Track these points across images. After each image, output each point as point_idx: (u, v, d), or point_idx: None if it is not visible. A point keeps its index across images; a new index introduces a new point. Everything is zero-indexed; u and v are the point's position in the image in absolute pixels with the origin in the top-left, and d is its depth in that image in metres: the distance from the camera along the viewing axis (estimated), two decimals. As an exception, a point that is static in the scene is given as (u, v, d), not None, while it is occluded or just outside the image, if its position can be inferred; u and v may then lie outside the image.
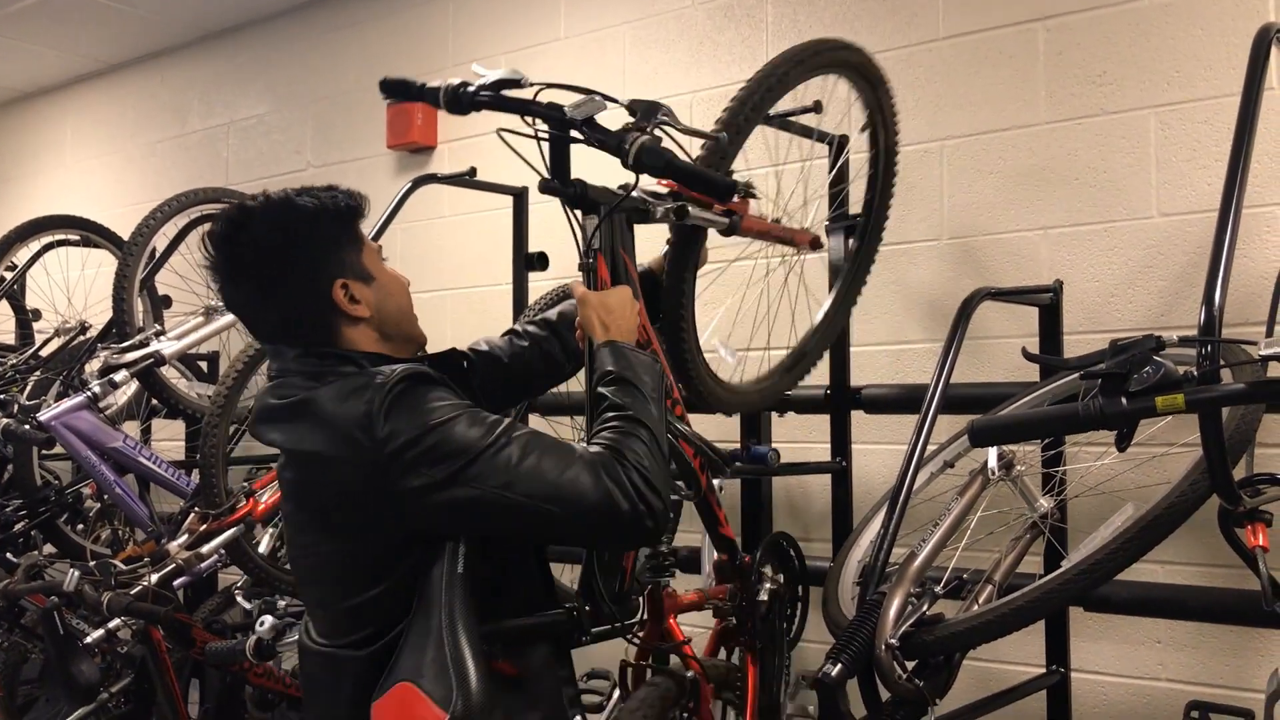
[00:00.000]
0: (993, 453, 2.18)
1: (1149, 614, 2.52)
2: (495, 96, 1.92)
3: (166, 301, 4.06)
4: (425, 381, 1.58)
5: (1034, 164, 2.86)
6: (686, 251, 2.08)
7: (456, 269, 4.02)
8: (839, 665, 1.73)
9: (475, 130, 4.06)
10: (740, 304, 2.45)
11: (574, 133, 1.83)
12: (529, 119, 1.88)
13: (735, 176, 2.01)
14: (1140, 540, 1.75)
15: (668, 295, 2.09)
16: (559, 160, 1.88)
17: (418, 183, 3.23)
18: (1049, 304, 2.56)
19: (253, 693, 3.13)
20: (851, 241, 2.62)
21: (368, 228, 2.76)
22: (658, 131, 1.81)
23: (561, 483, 1.52)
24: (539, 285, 3.21)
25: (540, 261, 1.99)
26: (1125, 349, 1.51)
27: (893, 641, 1.71)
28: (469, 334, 3.84)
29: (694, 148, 1.96)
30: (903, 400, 2.81)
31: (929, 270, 2.99)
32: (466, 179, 3.28)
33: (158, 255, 3.73)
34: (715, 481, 2.08)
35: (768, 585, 2.38)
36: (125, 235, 3.63)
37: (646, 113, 1.82)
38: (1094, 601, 2.45)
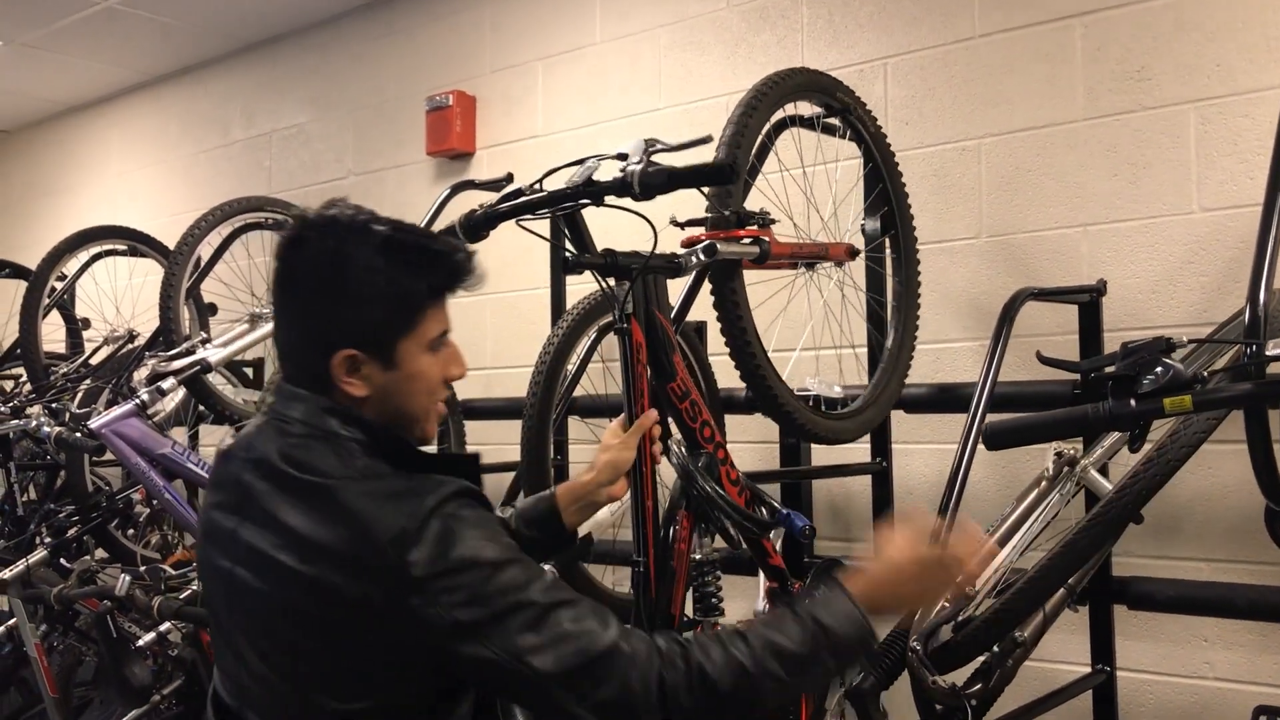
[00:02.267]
0: (1050, 454, 2.18)
1: (1195, 612, 2.49)
2: (498, 213, 1.98)
3: (212, 309, 4.12)
4: (477, 505, 1.40)
5: (1073, 161, 2.84)
6: (732, 290, 2.11)
7: (495, 274, 4.00)
8: (870, 677, 1.74)
9: (513, 136, 4.09)
10: (813, 335, 2.50)
11: (581, 201, 1.89)
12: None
13: (752, 207, 2.10)
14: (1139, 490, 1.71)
15: (736, 346, 2.13)
16: (576, 233, 1.97)
17: (456, 189, 3.27)
18: (1089, 302, 2.55)
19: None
20: (890, 253, 2.66)
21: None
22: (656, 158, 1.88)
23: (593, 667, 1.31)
24: (576, 289, 3.22)
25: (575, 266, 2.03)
26: (1135, 351, 1.51)
27: (916, 647, 1.71)
28: (508, 339, 3.89)
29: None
30: (942, 400, 2.81)
31: (968, 269, 2.98)
32: (504, 184, 3.31)
33: (203, 264, 3.79)
34: None
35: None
36: (171, 245, 3.69)
37: (636, 149, 1.86)
38: (1138, 599, 2.44)
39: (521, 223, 2.01)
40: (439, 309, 1.50)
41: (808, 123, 2.59)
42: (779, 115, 2.41)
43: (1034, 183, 2.90)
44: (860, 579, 1.43)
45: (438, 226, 3.02)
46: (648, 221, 1.84)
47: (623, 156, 1.90)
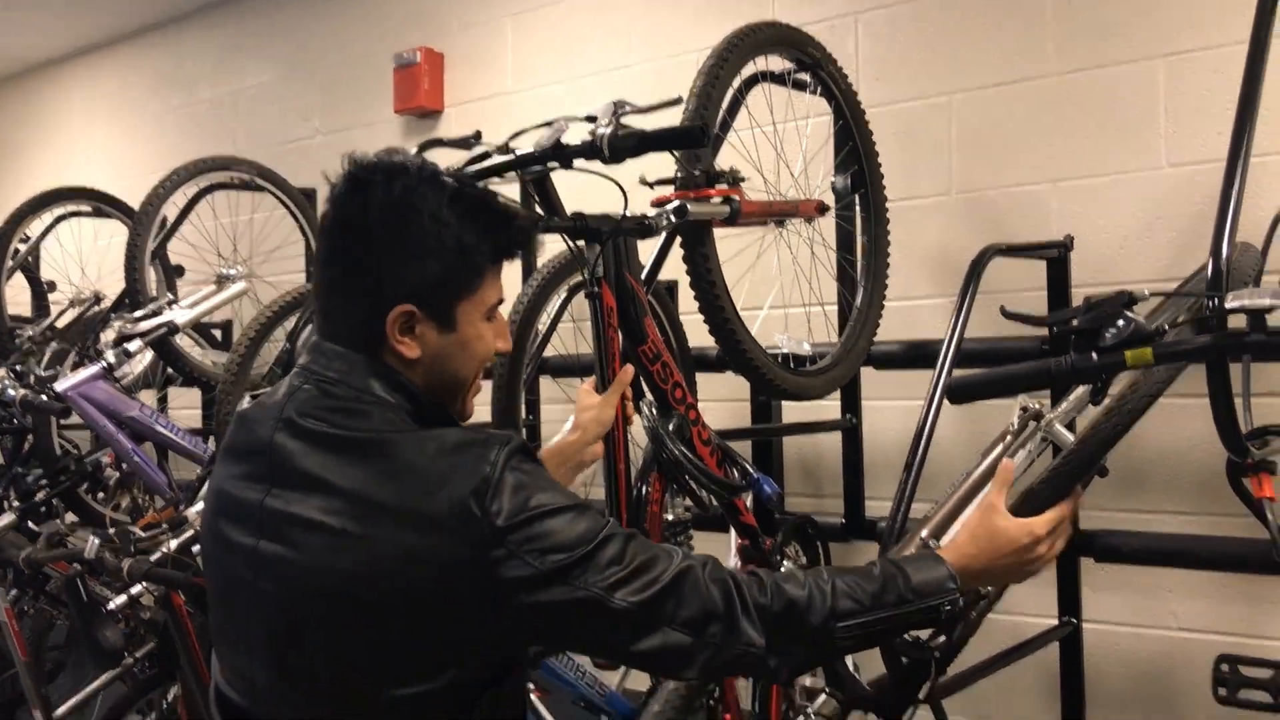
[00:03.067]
0: (1015, 409, 2.18)
1: (1160, 564, 2.53)
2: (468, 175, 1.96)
3: (179, 271, 4.09)
4: (535, 460, 1.35)
5: (1043, 116, 2.84)
6: (703, 251, 2.11)
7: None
8: None
9: (482, 93, 4.05)
10: (782, 293, 2.50)
11: (550, 164, 1.89)
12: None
13: (723, 165, 2.09)
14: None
15: (706, 304, 2.12)
16: (545, 196, 1.97)
17: (423, 148, 3.21)
18: (1057, 258, 2.56)
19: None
20: (860, 210, 2.66)
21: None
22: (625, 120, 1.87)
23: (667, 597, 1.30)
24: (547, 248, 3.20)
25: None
26: (1097, 305, 1.52)
27: None
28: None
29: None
30: (911, 356, 2.81)
31: (938, 225, 2.98)
32: (472, 142, 3.28)
33: (169, 225, 3.75)
34: None
35: (787, 564, 2.39)
36: (136, 205, 3.64)
37: (605, 111, 1.85)
38: (1105, 552, 2.47)
39: (489, 186, 2.00)
40: (496, 275, 1.43)
41: (778, 78, 2.57)
42: (750, 70, 2.40)
43: (1004, 139, 2.90)
44: (957, 551, 1.46)
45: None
46: (617, 185, 1.84)
47: (591, 119, 1.89)
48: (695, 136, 1.85)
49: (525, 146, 1.96)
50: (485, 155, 2.01)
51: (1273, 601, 2.39)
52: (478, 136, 3.32)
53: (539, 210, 2.01)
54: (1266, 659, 2.01)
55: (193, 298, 3.63)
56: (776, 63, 2.47)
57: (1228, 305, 1.49)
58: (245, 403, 1.54)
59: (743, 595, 1.34)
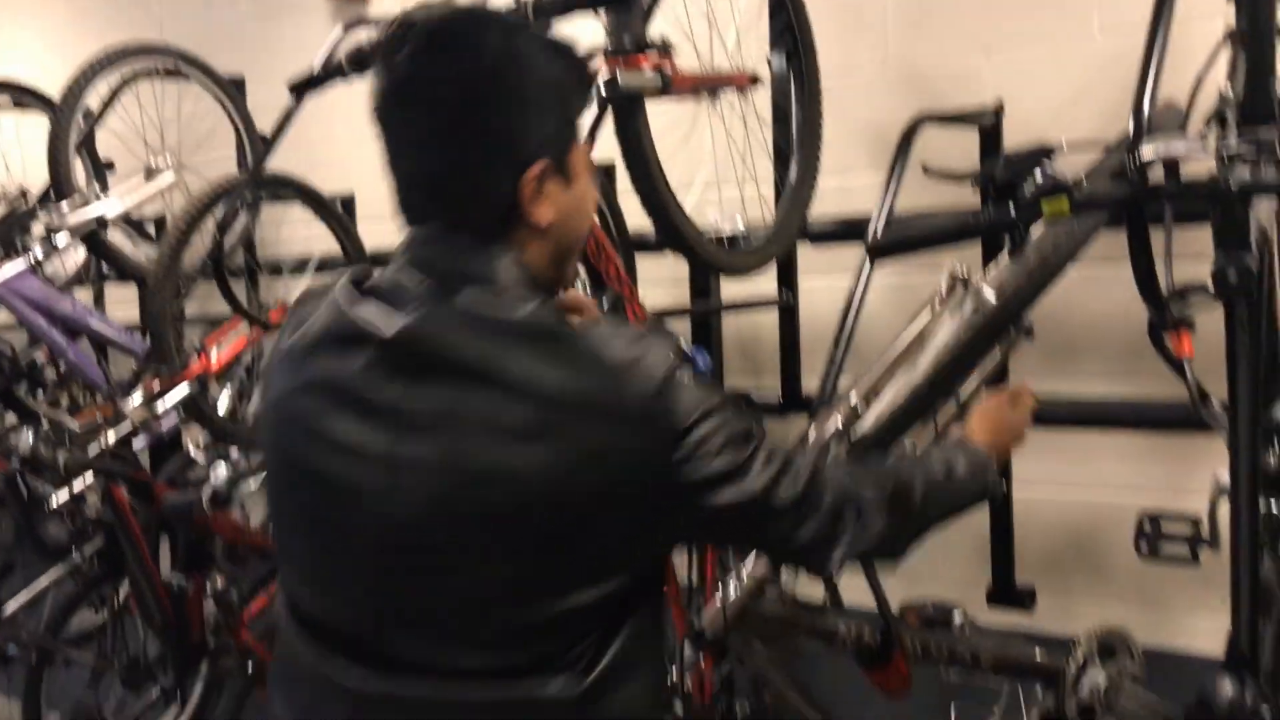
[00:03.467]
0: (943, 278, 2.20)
1: (1088, 426, 2.59)
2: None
3: (109, 165, 4.00)
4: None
5: (976, -15, 2.81)
6: (635, 125, 2.07)
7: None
8: None
9: (413, -28, 3.94)
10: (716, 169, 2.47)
11: None
12: None
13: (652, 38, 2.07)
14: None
15: (639, 181, 2.10)
16: None
17: (347, 27, 3.14)
18: (990, 125, 2.56)
19: (222, 547, 3.20)
20: (794, 84, 2.63)
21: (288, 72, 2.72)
22: None
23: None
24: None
25: None
26: (1016, 160, 1.53)
27: None
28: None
29: None
30: (846, 231, 2.81)
31: (874, 98, 2.96)
32: (400, 22, 3.20)
33: (94, 115, 3.66)
34: None
35: None
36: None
37: None
38: (1035, 417, 2.51)
39: None
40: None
41: (707, -55, 2.52)
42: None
43: (938, 9, 2.87)
44: (976, 435, 1.65)
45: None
46: None
47: None
48: None
49: None
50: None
51: (1193, 459, 2.45)
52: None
53: None
54: (1185, 514, 2.08)
55: (121, 190, 3.56)
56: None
57: (1144, 156, 1.50)
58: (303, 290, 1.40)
59: (865, 481, 1.40)
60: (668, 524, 1.25)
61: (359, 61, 1.95)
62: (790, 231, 2.59)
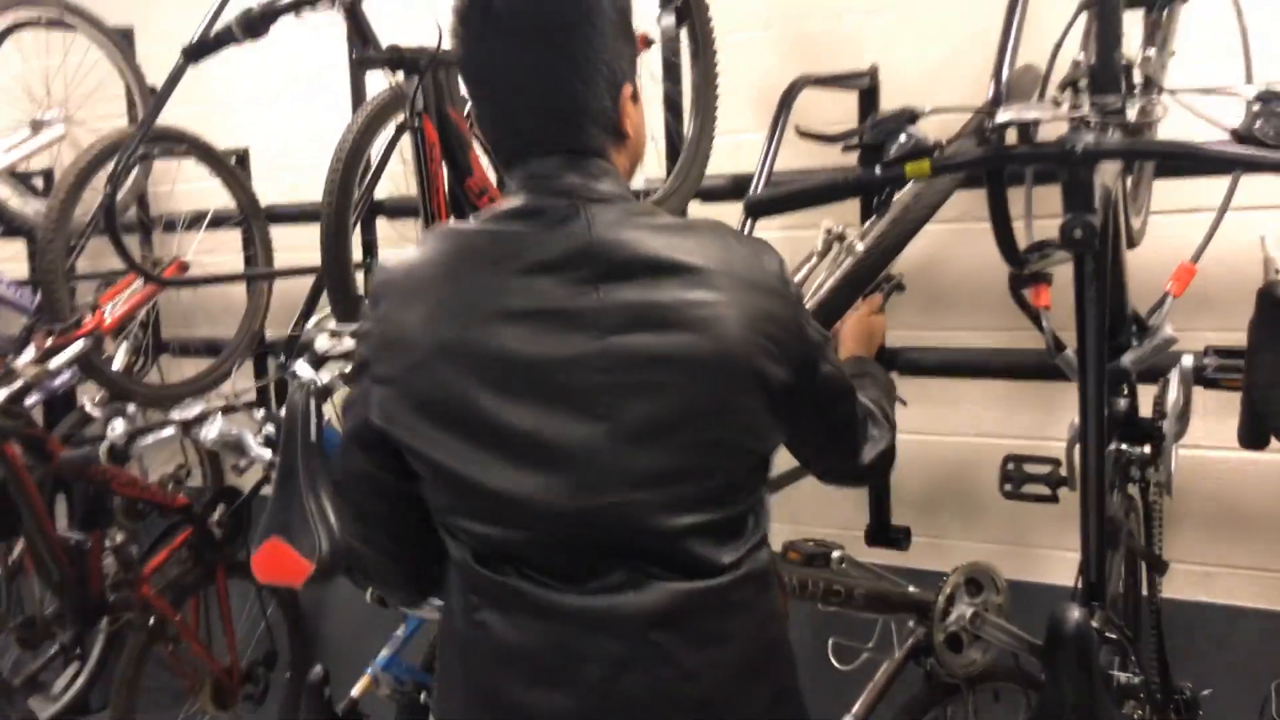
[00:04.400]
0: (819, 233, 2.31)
1: (957, 375, 2.74)
2: (276, 8, 2.00)
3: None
4: None
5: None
6: None
7: (292, 71, 3.90)
8: None
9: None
10: None
11: None
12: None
13: None
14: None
15: None
16: (359, 27, 1.95)
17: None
18: (867, 88, 2.66)
19: (121, 503, 3.20)
20: (688, 43, 2.70)
21: (190, 30, 2.70)
22: None
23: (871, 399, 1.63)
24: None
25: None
26: (882, 123, 1.63)
27: None
28: (314, 145, 3.78)
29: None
30: (737, 189, 2.90)
31: (758, 59, 3.04)
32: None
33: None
34: None
35: None
36: (-66, 46, 3.44)
37: None
38: (908, 366, 2.65)
39: (304, 13, 1.98)
40: None
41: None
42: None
43: (823, -31, 2.95)
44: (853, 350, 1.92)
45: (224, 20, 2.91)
46: (433, 18, 1.83)
47: None
48: None
49: None
50: None
51: (1054, 405, 2.61)
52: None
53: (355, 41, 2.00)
54: (1046, 456, 2.22)
55: (6, 143, 3.49)
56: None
57: (1000, 119, 1.61)
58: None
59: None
60: (803, 384, 1.41)
61: (249, 26, 1.96)
62: (689, 188, 2.66)
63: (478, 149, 2.11)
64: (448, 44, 1.92)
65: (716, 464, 1.34)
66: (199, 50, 2.09)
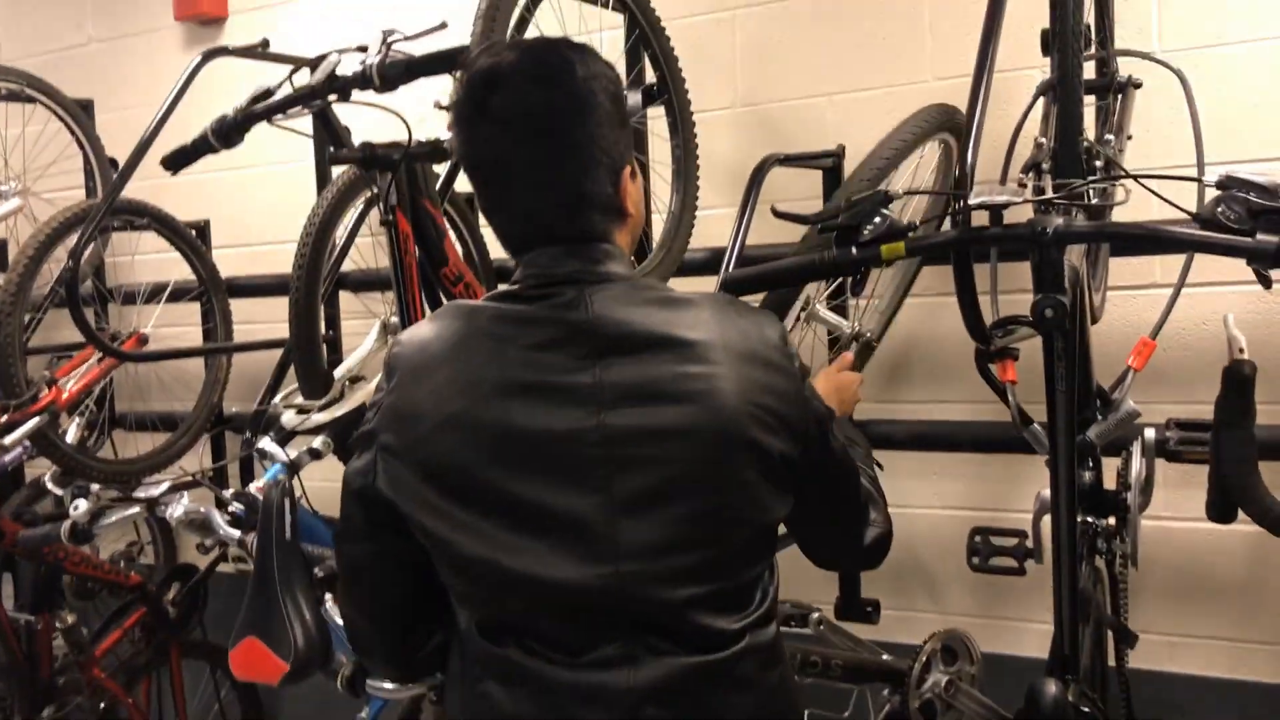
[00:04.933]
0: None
1: (925, 448, 2.76)
2: (251, 115, 2.05)
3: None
4: None
5: (819, 31, 2.98)
6: None
7: (256, 147, 3.90)
8: None
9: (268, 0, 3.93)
10: None
11: (330, 97, 1.99)
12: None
13: None
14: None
15: None
16: (331, 129, 2.01)
17: (207, 56, 3.12)
18: (831, 166, 2.72)
19: (71, 581, 3.12)
20: (666, 117, 2.76)
21: (151, 104, 2.72)
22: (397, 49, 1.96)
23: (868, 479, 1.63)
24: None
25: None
26: (857, 204, 1.67)
27: None
28: (276, 213, 3.78)
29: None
30: (705, 263, 2.94)
31: (726, 138, 3.10)
32: (259, 51, 3.19)
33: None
34: None
35: None
36: (-110, 118, 3.41)
37: (374, 40, 1.96)
38: (877, 439, 2.66)
39: (277, 123, 2.06)
40: None
41: (566, -9, 2.61)
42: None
43: (785, 54, 3.03)
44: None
45: (191, 103, 2.92)
46: (399, 117, 1.93)
47: (364, 49, 1.93)
48: (459, 60, 1.91)
49: (303, 80, 2.01)
50: (267, 93, 2.05)
51: (1020, 477, 2.65)
52: (265, 44, 3.26)
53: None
54: (1012, 529, 2.24)
55: (-38, 216, 3.45)
56: (566, -25, 2.51)
57: (971, 202, 1.65)
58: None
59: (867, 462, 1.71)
60: (807, 455, 1.41)
61: (224, 134, 2.03)
62: (674, 259, 2.68)
63: (452, 237, 2.14)
64: (419, 136, 1.97)
65: (716, 535, 1.34)
66: (177, 160, 2.14)
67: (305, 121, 2.21)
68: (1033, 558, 2.15)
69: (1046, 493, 1.92)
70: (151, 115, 2.71)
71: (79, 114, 3.71)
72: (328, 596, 1.82)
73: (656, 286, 1.43)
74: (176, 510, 2.28)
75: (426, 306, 2.13)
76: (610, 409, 1.31)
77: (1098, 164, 2.06)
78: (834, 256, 1.67)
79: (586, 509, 1.31)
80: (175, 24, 4.08)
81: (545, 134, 1.37)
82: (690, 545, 1.33)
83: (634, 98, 2.75)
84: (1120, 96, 2.35)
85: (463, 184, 2.51)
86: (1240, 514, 1.86)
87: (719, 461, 1.33)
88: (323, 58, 1.99)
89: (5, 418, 2.82)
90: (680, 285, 3.04)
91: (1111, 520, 2.08)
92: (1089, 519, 2.07)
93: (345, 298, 3.42)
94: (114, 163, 3.73)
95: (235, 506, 2.21)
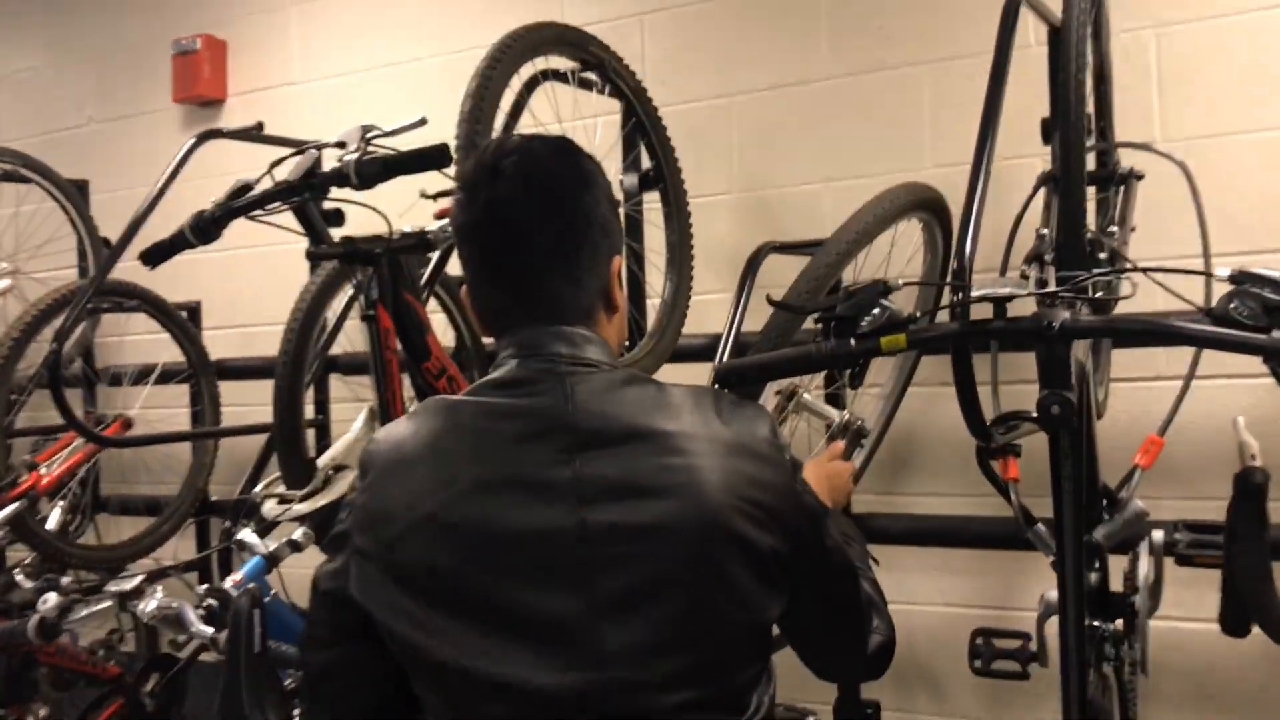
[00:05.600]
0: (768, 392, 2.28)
1: (925, 544, 2.69)
2: (230, 210, 2.05)
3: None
4: None
5: (818, 118, 2.96)
6: None
7: (249, 228, 3.89)
8: None
9: (267, 83, 3.94)
10: None
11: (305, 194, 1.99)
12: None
13: None
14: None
15: None
16: (310, 224, 2.00)
17: (203, 138, 3.11)
18: (821, 254, 2.68)
19: (47, 672, 3.02)
20: (661, 205, 2.73)
21: (147, 184, 2.70)
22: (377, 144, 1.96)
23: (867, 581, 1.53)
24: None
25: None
26: (855, 294, 1.62)
27: None
28: (266, 294, 3.75)
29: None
30: (701, 350, 2.89)
31: (723, 223, 3.08)
32: (254, 133, 3.18)
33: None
34: None
35: None
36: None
37: (352, 137, 1.91)
38: (875, 534, 2.59)
39: (257, 218, 2.06)
40: None
41: (562, 77, 2.60)
42: (530, 71, 2.41)
43: (782, 139, 3.02)
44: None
45: (186, 182, 2.90)
46: (378, 212, 1.94)
47: (342, 145, 1.91)
48: (438, 158, 1.88)
49: (285, 174, 2.00)
50: (246, 188, 2.04)
51: (1022, 574, 2.57)
52: (259, 127, 3.26)
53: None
54: (1016, 630, 2.16)
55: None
56: (560, 62, 2.50)
57: (974, 294, 1.60)
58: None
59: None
60: (799, 552, 1.33)
61: (202, 230, 2.02)
62: (665, 347, 2.63)
63: (439, 325, 2.10)
64: (403, 229, 1.94)
65: (703, 636, 1.26)
66: (154, 255, 2.13)
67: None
68: (1037, 661, 2.08)
69: (1051, 594, 1.85)
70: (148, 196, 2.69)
71: (73, 194, 3.70)
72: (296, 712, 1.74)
73: (640, 377, 1.36)
74: (149, 605, 2.19)
75: (409, 400, 2.09)
76: (590, 505, 1.25)
77: (1101, 256, 2.01)
78: (833, 349, 1.61)
79: (568, 611, 1.23)
80: (174, 106, 4.09)
81: (551, 201, 1.35)
82: (678, 647, 1.25)
83: (630, 180, 2.73)
84: (1123, 188, 2.32)
85: (453, 267, 2.48)
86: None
87: (703, 557, 1.25)
88: (303, 151, 1.97)
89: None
90: (677, 372, 3.02)
91: (1119, 623, 2.00)
92: (1095, 623, 1.99)
93: (336, 381, 3.37)
94: (107, 243, 3.71)
95: (210, 601, 2.13)
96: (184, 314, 3.46)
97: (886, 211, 2.30)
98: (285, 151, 2.14)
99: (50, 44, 4.49)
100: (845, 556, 1.44)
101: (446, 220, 2.07)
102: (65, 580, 2.62)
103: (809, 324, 2.00)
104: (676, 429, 1.28)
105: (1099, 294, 1.71)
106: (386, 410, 2.02)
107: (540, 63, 2.44)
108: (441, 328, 2.60)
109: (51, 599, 2.45)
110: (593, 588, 1.24)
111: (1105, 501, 2.02)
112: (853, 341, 1.62)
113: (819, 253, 2.19)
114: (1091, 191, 2.29)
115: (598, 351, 1.35)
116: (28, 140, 4.14)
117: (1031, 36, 2.64)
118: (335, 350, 3.11)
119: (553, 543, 1.24)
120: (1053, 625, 1.85)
